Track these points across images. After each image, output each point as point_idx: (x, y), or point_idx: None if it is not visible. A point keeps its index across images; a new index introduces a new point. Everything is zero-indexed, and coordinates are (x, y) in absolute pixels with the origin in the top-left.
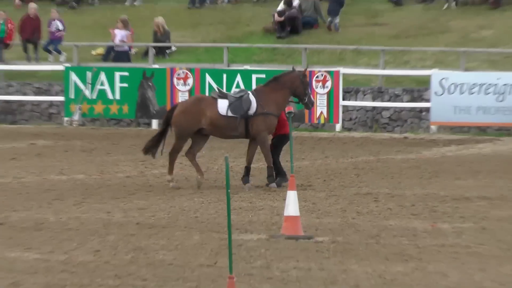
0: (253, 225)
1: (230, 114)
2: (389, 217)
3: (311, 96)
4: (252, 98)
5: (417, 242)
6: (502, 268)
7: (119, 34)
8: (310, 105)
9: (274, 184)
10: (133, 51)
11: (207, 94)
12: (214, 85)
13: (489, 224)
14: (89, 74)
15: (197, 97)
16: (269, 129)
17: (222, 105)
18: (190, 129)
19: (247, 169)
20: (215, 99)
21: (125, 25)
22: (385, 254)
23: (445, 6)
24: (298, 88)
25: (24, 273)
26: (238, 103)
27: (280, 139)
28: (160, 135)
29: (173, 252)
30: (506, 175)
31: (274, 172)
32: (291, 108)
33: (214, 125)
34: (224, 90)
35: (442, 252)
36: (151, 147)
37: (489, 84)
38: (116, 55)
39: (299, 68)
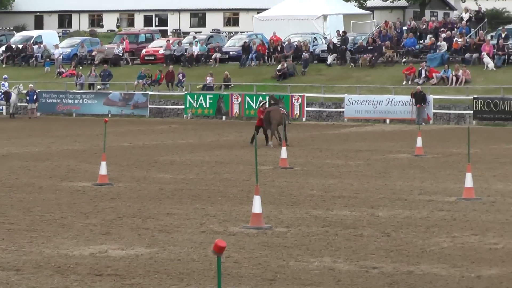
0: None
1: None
2: (326, 158)
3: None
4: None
5: (340, 170)
6: (377, 182)
7: (209, 79)
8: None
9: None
10: None
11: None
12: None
13: (371, 162)
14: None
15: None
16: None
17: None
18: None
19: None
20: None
21: (212, 75)
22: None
23: (350, 65)
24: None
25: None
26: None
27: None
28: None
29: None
30: (377, 141)
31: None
32: (283, 111)
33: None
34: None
35: (351, 173)
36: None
37: (370, 100)
38: (208, 88)
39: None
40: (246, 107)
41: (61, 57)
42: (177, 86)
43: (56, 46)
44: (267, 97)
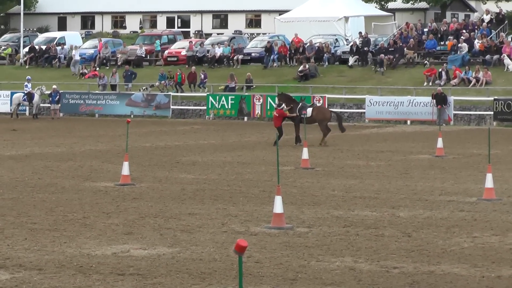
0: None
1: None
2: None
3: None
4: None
5: (361, 171)
6: (397, 183)
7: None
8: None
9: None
10: None
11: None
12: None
13: (392, 163)
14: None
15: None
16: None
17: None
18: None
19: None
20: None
21: (234, 77)
22: (346, 176)
23: (373, 67)
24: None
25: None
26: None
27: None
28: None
29: None
30: (398, 141)
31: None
32: (305, 111)
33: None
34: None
35: (372, 174)
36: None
37: (391, 101)
38: (230, 89)
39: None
40: (268, 108)
41: (79, 57)
42: (199, 87)
43: (75, 47)
44: (276, 97)
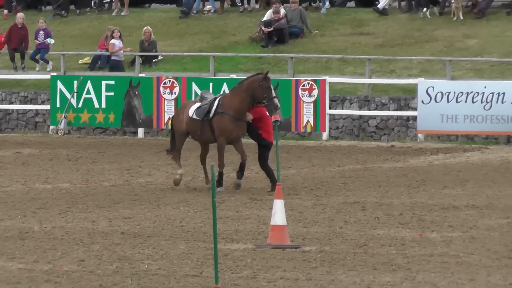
0: (239, 235)
1: (195, 116)
2: (377, 226)
3: (275, 100)
4: (216, 101)
5: (406, 252)
6: (492, 278)
7: (118, 44)
8: (273, 109)
9: (221, 188)
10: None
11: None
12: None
13: (478, 234)
14: (75, 83)
15: (186, 102)
16: (224, 132)
17: (192, 109)
18: (180, 131)
19: (220, 174)
20: (193, 103)
21: (120, 35)
22: (373, 264)
23: (427, 13)
24: (256, 91)
25: (7, 283)
26: (204, 106)
27: (264, 147)
28: (172, 138)
29: (158, 262)
30: (494, 184)
31: (222, 179)
32: (277, 116)
33: (188, 128)
34: (211, 94)
35: (431, 261)
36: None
37: (476, 92)
38: (113, 63)
39: (285, 77)
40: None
41: None
42: (34, 60)
43: None
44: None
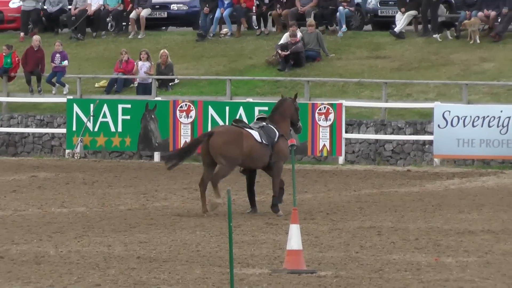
0: (255, 259)
1: (265, 142)
2: (393, 251)
3: (300, 123)
4: (272, 126)
5: (421, 277)
6: None
7: (144, 66)
8: (300, 129)
9: (281, 213)
10: (136, 83)
11: (209, 127)
12: (217, 118)
13: (494, 258)
14: (91, 106)
15: (234, 128)
16: (286, 156)
17: (256, 135)
18: (235, 159)
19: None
20: (248, 129)
21: (149, 57)
22: None
23: (443, 36)
24: (294, 114)
25: None
26: (263, 132)
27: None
28: (187, 153)
29: (174, 287)
30: (510, 209)
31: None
32: (293, 140)
33: (252, 154)
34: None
35: (446, 286)
36: (175, 160)
37: (492, 116)
38: (141, 87)
39: (301, 100)
40: (209, 127)
41: None
42: (50, 83)
43: None
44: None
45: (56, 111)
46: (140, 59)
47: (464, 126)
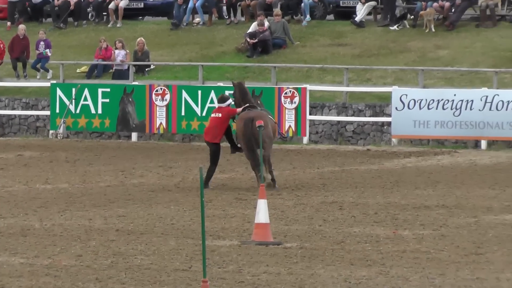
0: (226, 232)
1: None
2: (353, 224)
3: None
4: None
5: (380, 248)
6: (461, 273)
7: (120, 54)
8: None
9: (277, 186)
10: (113, 69)
11: (183, 109)
12: (190, 101)
13: (448, 231)
14: (73, 90)
15: (263, 112)
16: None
17: (271, 117)
18: (272, 138)
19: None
20: (260, 112)
21: (123, 45)
22: (349, 260)
23: (400, 25)
24: None
25: (9, 276)
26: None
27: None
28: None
29: (150, 257)
30: (463, 185)
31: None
32: (261, 122)
33: (275, 134)
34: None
35: (403, 257)
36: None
37: (446, 99)
38: (117, 72)
39: (268, 85)
40: (183, 113)
41: None
42: (35, 69)
43: None
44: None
45: (40, 94)
46: (116, 48)
47: (420, 108)
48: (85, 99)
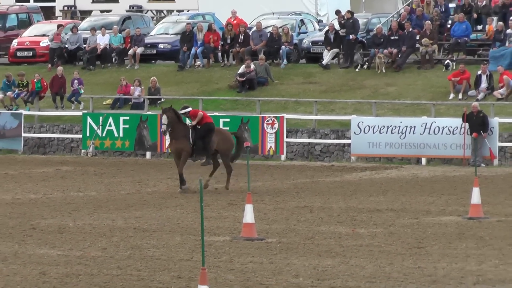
0: (220, 230)
1: None
2: (321, 224)
3: None
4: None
5: (342, 243)
6: (405, 263)
7: (137, 90)
8: None
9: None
10: (131, 102)
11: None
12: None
13: (396, 230)
14: (100, 118)
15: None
16: None
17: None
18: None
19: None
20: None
21: (140, 83)
22: (318, 252)
23: (358, 67)
24: None
25: (49, 265)
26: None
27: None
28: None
29: (160, 250)
30: (407, 193)
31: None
32: (248, 143)
33: None
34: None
35: (360, 250)
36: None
37: (394, 126)
38: (134, 104)
39: (254, 114)
40: None
41: None
42: (70, 101)
43: None
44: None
45: (74, 121)
46: (134, 85)
47: (374, 133)
48: (110, 125)
